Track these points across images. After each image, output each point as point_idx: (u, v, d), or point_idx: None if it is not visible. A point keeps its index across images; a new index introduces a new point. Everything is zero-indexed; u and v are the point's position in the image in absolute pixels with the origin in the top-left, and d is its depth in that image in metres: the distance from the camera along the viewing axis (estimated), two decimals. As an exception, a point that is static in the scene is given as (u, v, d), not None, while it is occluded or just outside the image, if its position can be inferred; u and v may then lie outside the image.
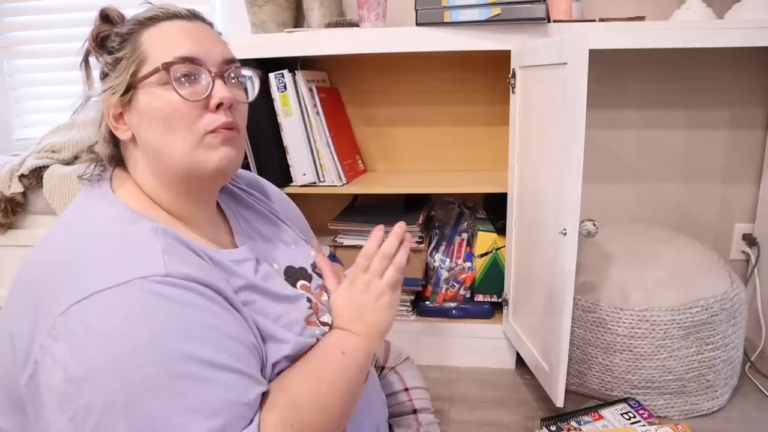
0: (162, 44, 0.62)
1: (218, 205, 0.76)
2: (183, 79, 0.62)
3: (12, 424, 0.57)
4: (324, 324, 0.70)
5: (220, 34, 0.71)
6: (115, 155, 0.67)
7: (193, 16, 0.66)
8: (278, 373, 0.62)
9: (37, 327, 0.52)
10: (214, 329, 0.54)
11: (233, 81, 0.68)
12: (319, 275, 0.80)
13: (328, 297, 0.76)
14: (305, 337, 0.66)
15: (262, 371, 0.60)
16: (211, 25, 0.69)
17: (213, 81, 0.63)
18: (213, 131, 0.63)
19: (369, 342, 0.69)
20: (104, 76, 0.65)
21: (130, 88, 0.62)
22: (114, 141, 0.66)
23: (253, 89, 0.72)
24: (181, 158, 0.63)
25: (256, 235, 0.76)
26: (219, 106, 0.63)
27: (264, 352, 0.61)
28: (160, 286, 0.52)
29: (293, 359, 0.64)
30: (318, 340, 0.68)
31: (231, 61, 0.67)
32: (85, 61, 0.67)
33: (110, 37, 0.65)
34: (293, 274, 0.75)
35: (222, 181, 0.70)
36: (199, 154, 0.63)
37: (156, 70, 0.61)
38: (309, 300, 0.71)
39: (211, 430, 0.50)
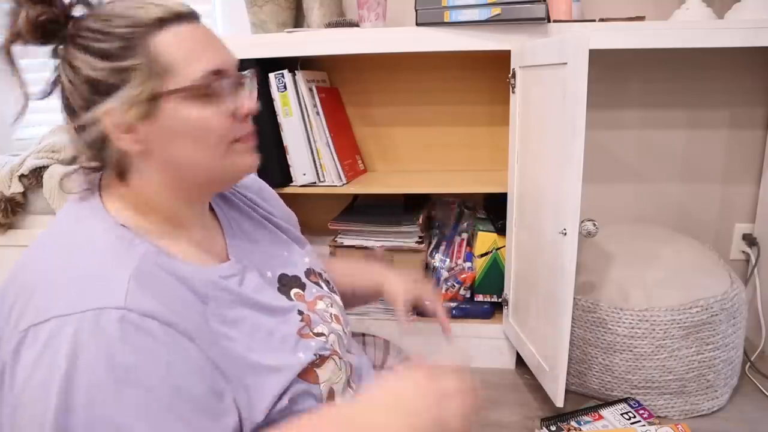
0: (186, 55, 0.59)
1: (212, 208, 0.74)
2: (217, 92, 0.61)
3: None
4: (318, 335, 0.69)
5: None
6: (103, 163, 0.62)
7: (193, 15, 0.63)
8: (281, 410, 0.60)
9: (3, 338, 0.52)
10: (158, 377, 0.51)
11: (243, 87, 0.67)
12: (314, 282, 0.78)
13: (327, 305, 0.75)
14: (300, 351, 0.64)
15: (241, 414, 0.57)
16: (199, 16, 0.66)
17: (239, 91, 0.64)
18: (241, 139, 0.64)
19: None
20: (98, 87, 0.58)
21: (152, 100, 0.58)
22: (102, 149, 0.61)
23: (254, 90, 0.71)
24: (209, 169, 0.62)
25: (248, 241, 0.75)
26: (246, 115, 0.64)
27: (244, 393, 0.58)
28: (112, 322, 0.49)
29: (288, 389, 0.62)
30: (315, 355, 0.65)
31: (237, 61, 0.67)
32: (8, 52, 0.61)
33: (57, 29, 0.59)
34: (287, 283, 0.73)
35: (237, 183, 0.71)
36: (231, 160, 0.63)
37: (190, 87, 0.58)
38: (300, 312, 0.69)
39: None
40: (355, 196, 1.63)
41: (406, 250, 1.43)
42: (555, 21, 1.25)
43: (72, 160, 0.64)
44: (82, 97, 0.59)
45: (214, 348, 0.57)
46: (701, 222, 1.57)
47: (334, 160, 1.42)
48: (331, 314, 0.75)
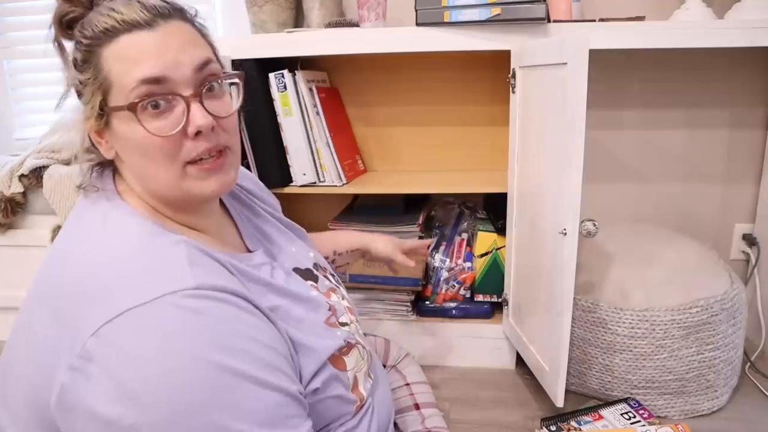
0: (123, 66, 0.55)
1: (223, 204, 0.74)
2: (152, 110, 0.56)
3: None
4: (343, 324, 0.70)
5: (194, 20, 0.63)
6: (106, 160, 0.63)
7: (153, 18, 0.57)
8: (313, 391, 0.61)
9: (63, 348, 0.50)
10: (252, 340, 0.52)
11: (215, 90, 0.61)
12: (323, 276, 0.79)
13: (339, 298, 0.76)
14: (329, 338, 0.66)
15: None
16: (175, 14, 0.59)
17: (188, 106, 0.57)
18: (194, 162, 0.59)
19: None
20: (77, 92, 0.60)
21: (103, 114, 0.57)
22: (93, 147, 0.63)
23: (239, 93, 0.66)
24: (168, 186, 0.59)
25: (261, 237, 0.75)
26: (198, 133, 0.58)
27: (298, 364, 0.60)
28: (190, 300, 0.50)
29: (321, 369, 0.63)
30: (344, 341, 0.67)
31: (206, 63, 0.59)
32: (59, 44, 0.61)
33: (80, 23, 0.58)
34: (302, 276, 0.74)
35: (219, 197, 0.69)
36: (187, 185, 0.59)
37: (121, 108, 0.56)
38: (329, 308, 0.70)
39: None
40: (355, 196, 1.63)
41: (406, 250, 1.42)
42: (555, 21, 1.25)
43: (75, 158, 0.65)
44: (75, 96, 0.61)
45: (273, 316, 0.59)
46: (701, 222, 1.57)
47: (334, 160, 1.42)
48: (344, 307, 0.76)
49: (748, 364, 1.35)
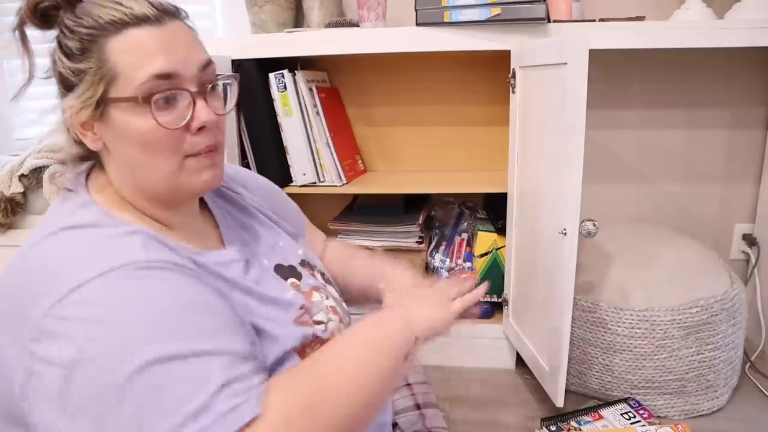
0: (133, 60, 0.56)
1: (206, 203, 0.75)
2: (164, 104, 0.57)
3: None
4: (318, 323, 0.69)
5: (191, 28, 0.64)
6: (86, 155, 0.64)
7: (161, 15, 0.59)
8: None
9: (20, 335, 0.51)
10: (202, 303, 0.53)
11: (216, 91, 0.63)
12: (309, 273, 0.78)
13: (322, 298, 0.76)
14: (294, 333, 0.65)
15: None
16: (178, 14, 0.61)
17: (194, 102, 0.59)
18: (193, 155, 0.60)
19: (412, 323, 0.66)
20: (65, 82, 0.59)
21: (101, 104, 0.58)
22: (73, 139, 0.63)
23: (232, 95, 0.67)
24: (163, 179, 0.60)
25: (244, 233, 0.75)
26: (201, 128, 0.60)
27: (260, 349, 0.59)
28: (140, 271, 0.51)
29: (288, 357, 0.63)
30: (315, 336, 0.66)
31: (208, 64, 0.62)
32: (21, 31, 0.61)
33: (56, 15, 0.58)
34: (283, 273, 0.74)
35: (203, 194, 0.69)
36: (182, 178, 0.61)
37: (133, 99, 0.57)
38: (302, 307, 0.69)
39: (220, 387, 0.48)
40: (355, 196, 1.63)
41: (406, 250, 1.43)
42: (555, 21, 1.25)
43: (62, 156, 0.65)
44: (58, 87, 0.61)
45: (231, 299, 0.59)
46: (701, 222, 1.57)
47: (334, 160, 1.42)
48: (327, 306, 0.76)
49: (748, 364, 1.35)
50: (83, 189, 0.62)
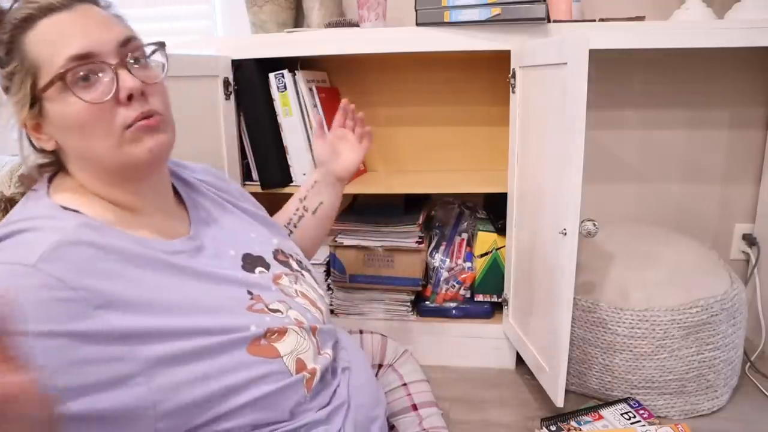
0: (48, 48, 0.58)
1: (178, 193, 0.76)
2: (83, 83, 0.58)
3: None
4: (275, 311, 0.69)
5: (108, 7, 0.65)
6: (50, 162, 0.66)
7: (69, 2, 0.60)
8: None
9: None
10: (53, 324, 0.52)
11: (141, 63, 0.64)
12: (281, 262, 0.80)
13: (290, 283, 0.76)
14: (252, 323, 0.65)
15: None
16: (94, 2, 0.63)
17: (116, 73, 0.60)
18: (131, 125, 0.61)
19: None
20: (6, 91, 0.61)
21: (35, 100, 0.59)
22: (30, 144, 0.65)
23: (165, 64, 0.68)
24: (109, 157, 0.62)
25: (213, 223, 0.77)
26: (130, 97, 0.61)
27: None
28: (15, 276, 0.51)
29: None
30: (268, 329, 0.66)
31: (129, 40, 0.62)
32: None
33: None
34: (251, 261, 0.75)
35: (159, 166, 0.69)
36: (126, 150, 0.62)
37: (52, 82, 0.58)
38: (250, 292, 0.69)
39: None
40: (355, 196, 1.63)
41: (406, 250, 1.43)
42: (555, 21, 1.25)
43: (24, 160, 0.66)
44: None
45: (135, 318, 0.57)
46: (701, 222, 1.57)
47: (334, 160, 1.42)
48: (295, 290, 0.76)
49: (748, 364, 1.35)
50: (45, 189, 0.64)
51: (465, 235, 1.50)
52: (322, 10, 1.45)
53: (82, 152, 0.62)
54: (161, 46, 0.68)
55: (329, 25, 1.40)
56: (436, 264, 1.44)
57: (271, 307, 0.70)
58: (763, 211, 1.49)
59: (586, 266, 1.28)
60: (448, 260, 1.44)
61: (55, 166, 0.67)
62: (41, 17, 0.59)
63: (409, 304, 1.46)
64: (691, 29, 1.17)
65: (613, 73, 1.50)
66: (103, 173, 0.64)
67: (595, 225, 1.04)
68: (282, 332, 0.67)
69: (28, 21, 0.58)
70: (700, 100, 1.49)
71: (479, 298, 1.45)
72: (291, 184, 1.44)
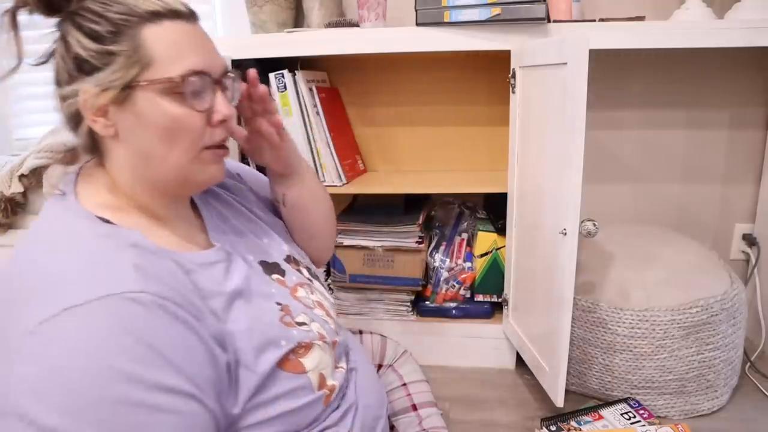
0: (171, 51, 0.59)
1: (191, 199, 0.75)
2: (192, 95, 0.60)
3: None
4: (300, 324, 0.69)
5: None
6: (88, 148, 0.64)
7: (191, 15, 0.63)
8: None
9: (5, 339, 0.50)
10: (186, 352, 0.53)
11: (227, 92, 0.67)
12: (294, 269, 0.78)
13: (307, 293, 0.76)
14: (282, 338, 0.65)
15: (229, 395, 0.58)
16: (198, 17, 0.66)
17: (215, 96, 0.63)
18: (209, 147, 0.63)
19: None
20: (83, 65, 0.59)
21: (127, 88, 0.59)
22: (77, 126, 0.63)
23: (236, 92, 0.71)
24: (175, 169, 0.62)
25: (229, 230, 0.75)
26: (221, 121, 0.63)
27: (236, 375, 0.59)
28: (131, 304, 0.50)
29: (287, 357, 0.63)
30: (298, 344, 0.65)
31: (227, 70, 0.66)
32: (13, 15, 0.61)
33: (64, 3, 0.59)
34: (267, 269, 0.74)
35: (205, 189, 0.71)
36: (194, 168, 0.63)
37: (168, 81, 0.59)
38: (279, 303, 0.69)
39: None
40: (355, 196, 1.63)
41: (405, 250, 1.43)
42: (555, 21, 1.25)
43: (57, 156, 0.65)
44: (67, 72, 0.60)
45: (213, 327, 0.58)
46: (701, 222, 1.57)
47: (334, 160, 1.42)
48: (312, 300, 0.76)
49: (748, 364, 1.35)
50: (72, 192, 0.62)
51: (465, 235, 1.50)
52: (322, 10, 1.45)
53: (149, 152, 0.61)
54: (240, 76, 0.70)
55: (329, 25, 1.40)
56: (436, 264, 1.44)
57: (297, 320, 0.69)
58: (763, 211, 1.49)
59: (586, 266, 1.28)
60: (448, 260, 1.44)
61: (89, 153, 0.65)
62: (168, 18, 0.60)
63: (409, 304, 1.46)
64: (691, 29, 1.17)
65: (613, 73, 1.50)
66: (152, 178, 0.63)
67: (595, 225, 1.04)
68: (308, 347, 0.67)
69: (155, 16, 0.59)
70: (700, 101, 1.49)
71: (479, 298, 1.45)
72: (291, 184, 1.44)
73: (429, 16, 1.22)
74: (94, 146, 0.64)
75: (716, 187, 1.55)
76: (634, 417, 1.11)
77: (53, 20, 0.62)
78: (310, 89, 1.43)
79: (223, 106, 0.63)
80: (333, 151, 1.42)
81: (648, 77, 1.50)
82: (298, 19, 1.56)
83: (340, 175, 1.43)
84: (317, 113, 1.42)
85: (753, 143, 1.50)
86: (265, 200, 0.89)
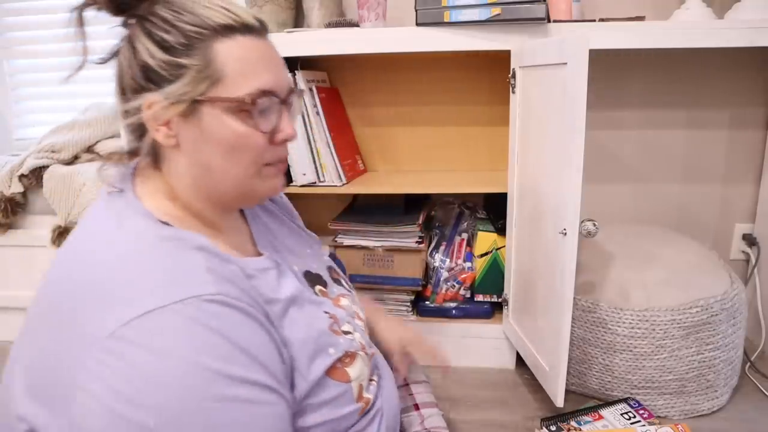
0: (242, 68, 0.58)
1: (240, 209, 0.76)
2: (258, 113, 0.60)
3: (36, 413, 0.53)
4: (346, 333, 0.70)
5: None
6: (138, 150, 0.63)
7: (263, 29, 0.62)
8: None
9: (78, 350, 0.50)
10: (265, 349, 0.55)
11: (291, 110, 0.67)
12: (335, 281, 0.80)
13: (350, 303, 0.77)
14: (330, 347, 0.66)
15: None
16: (268, 30, 0.64)
17: (281, 115, 0.62)
18: (270, 164, 0.64)
19: None
20: (151, 74, 0.58)
21: (194, 102, 0.58)
22: (139, 135, 0.62)
23: (297, 110, 0.71)
24: (235, 183, 0.62)
25: (274, 240, 0.76)
26: (283, 140, 0.64)
27: (291, 377, 0.61)
28: (212, 305, 0.51)
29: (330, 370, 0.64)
30: (345, 353, 0.67)
31: (293, 89, 0.66)
32: (81, 12, 0.59)
33: (135, 4, 0.58)
34: (311, 279, 0.74)
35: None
36: (254, 183, 0.63)
37: (237, 101, 0.58)
38: (326, 312, 0.70)
39: None
40: (355, 196, 1.63)
41: (405, 250, 1.43)
42: (555, 21, 1.25)
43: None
44: (133, 79, 0.59)
45: (278, 329, 0.60)
46: (701, 222, 1.57)
47: (334, 160, 1.42)
48: (354, 311, 0.77)
49: (748, 364, 1.35)
50: (131, 190, 0.61)
51: (465, 235, 1.50)
52: (322, 10, 1.45)
53: (210, 166, 0.60)
54: (302, 94, 0.70)
55: (329, 25, 1.40)
56: (436, 264, 1.44)
57: (343, 329, 0.70)
58: (763, 211, 1.49)
59: (586, 266, 1.28)
60: (448, 260, 1.44)
61: (142, 155, 0.64)
62: (241, 33, 0.58)
63: (409, 304, 1.46)
64: (691, 29, 1.17)
65: (613, 73, 1.50)
66: (212, 190, 0.62)
67: (595, 225, 1.04)
68: (353, 357, 0.68)
69: (227, 30, 0.58)
70: (699, 101, 1.49)
71: (479, 298, 1.45)
72: (291, 184, 1.44)
73: (429, 16, 1.22)
74: (153, 151, 0.63)
75: (716, 187, 1.55)
76: (634, 417, 1.11)
77: (117, 19, 0.60)
78: (310, 89, 1.43)
79: (287, 126, 0.63)
80: (333, 151, 1.42)
81: (648, 77, 1.50)
82: (298, 19, 1.56)
83: (340, 175, 1.43)
84: (317, 113, 1.42)
85: (753, 143, 1.50)
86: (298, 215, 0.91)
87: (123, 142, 0.65)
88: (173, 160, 0.62)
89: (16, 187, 1.56)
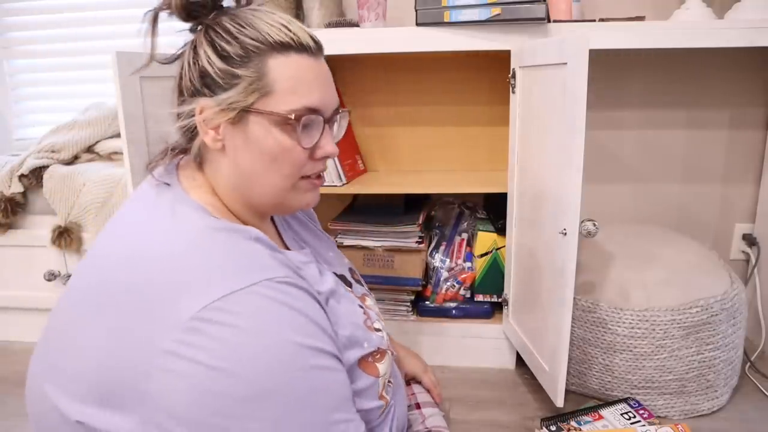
0: (292, 84, 0.61)
1: None
2: (302, 128, 0.62)
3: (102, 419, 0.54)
4: (377, 330, 0.72)
5: None
6: (188, 150, 0.66)
7: (318, 49, 0.65)
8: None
9: (149, 340, 0.51)
10: (327, 324, 0.59)
11: (334, 129, 0.69)
12: (357, 281, 0.82)
13: (372, 303, 0.81)
14: (365, 341, 0.68)
15: None
16: (323, 51, 0.67)
17: (323, 132, 0.64)
18: (307, 177, 0.66)
19: None
20: (207, 79, 0.61)
21: (243, 111, 0.60)
22: (191, 136, 0.65)
23: (341, 128, 0.73)
24: (272, 192, 0.64)
25: (302, 242, 0.79)
26: (323, 157, 0.66)
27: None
28: (284, 286, 0.56)
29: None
30: (377, 348, 0.69)
31: (338, 108, 0.68)
32: (156, 16, 0.62)
33: (203, 12, 0.62)
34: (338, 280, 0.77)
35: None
36: (289, 194, 0.65)
37: (282, 115, 0.60)
38: (361, 307, 0.73)
39: (350, 419, 0.57)
40: (355, 196, 1.63)
41: (406, 250, 1.43)
42: (555, 21, 1.25)
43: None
44: (191, 82, 0.62)
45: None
46: (701, 222, 1.57)
47: (334, 160, 1.42)
48: (376, 312, 0.79)
49: (748, 364, 1.35)
50: (177, 184, 0.64)
51: (465, 235, 1.50)
52: (322, 10, 1.45)
53: (250, 172, 0.63)
54: (346, 114, 0.73)
55: (329, 25, 1.40)
56: (436, 264, 1.44)
57: (375, 325, 0.73)
58: (763, 211, 1.49)
59: (586, 266, 1.28)
60: (448, 260, 1.44)
61: (191, 157, 0.67)
62: (296, 51, 0.61)
63: (409, 304, 1.46)
64: (691, 29, 1.17)
65: (613, 73, 1.50)
66: (249, 195, 0.65)
67: (595, 225, 1.04)
68: (383, 354, 0.71)
69: (283, 47, 0.61)
70: (699, 101, 1.49)
71: (479, 298, 1.45)
72: (291, 184, 1.44)
73: (429, 16, 1.22)
74: (199, 151, 0.66)
75: (716, 187, 1.55)
76: (634, 417, 1.11)
77: (186, 24, 0.64)
78: (310, 89, 1.42)
79: (328, 144, 0.65)
80: (333, 151, 1.42)
81: (648, 77, 1.50)
82: (297, 19, 1.55)
83: (340, 175, 1.43)
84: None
85: (753, 143, 1.50)
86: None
87: (171, 139, 0.68)
88: (217, 162, 0.64)
89: (16, 187, 1.56)
